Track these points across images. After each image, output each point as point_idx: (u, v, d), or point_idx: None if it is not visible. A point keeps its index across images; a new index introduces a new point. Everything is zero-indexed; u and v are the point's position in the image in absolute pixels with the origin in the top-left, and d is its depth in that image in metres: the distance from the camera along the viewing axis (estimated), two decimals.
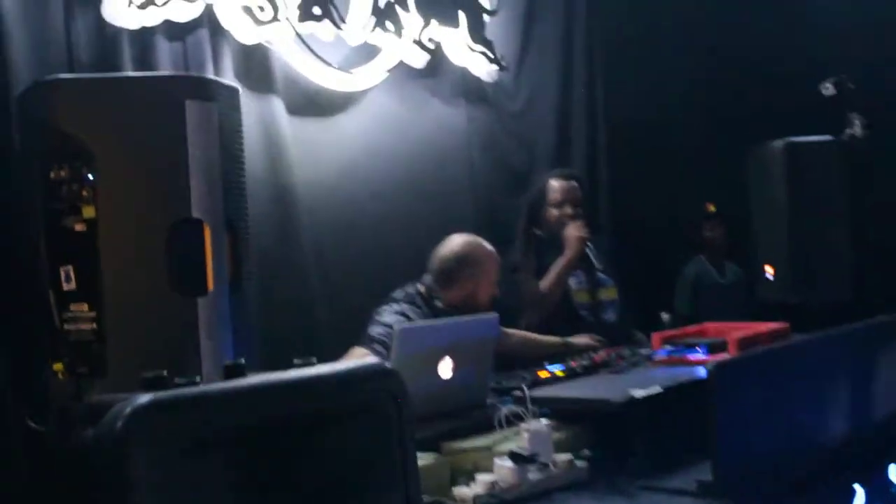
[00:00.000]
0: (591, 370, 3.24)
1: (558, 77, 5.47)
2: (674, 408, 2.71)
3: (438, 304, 3.68)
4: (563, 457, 2.48)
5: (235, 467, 1.31)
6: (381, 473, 1.47)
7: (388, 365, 1.49)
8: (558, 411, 2.75)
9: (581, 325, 4.30)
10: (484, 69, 4.93)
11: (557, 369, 3.36)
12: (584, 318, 4.35)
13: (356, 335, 3.65)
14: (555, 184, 4.42)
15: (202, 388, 1.32)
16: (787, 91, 5.17)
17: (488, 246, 3.79)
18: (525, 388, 2.76)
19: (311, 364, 1.45)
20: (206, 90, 2.36)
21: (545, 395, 2.74)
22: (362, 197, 4.39)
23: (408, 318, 3.55)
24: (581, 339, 4.04)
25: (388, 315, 3.59)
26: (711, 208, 5.41)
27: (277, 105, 4.08)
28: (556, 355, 3.81)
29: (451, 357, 2.84)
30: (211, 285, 2.27)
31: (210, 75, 3.77)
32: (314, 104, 4.27)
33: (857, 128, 4.47)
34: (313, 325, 4.12)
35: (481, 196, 4.98)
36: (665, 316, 4.50)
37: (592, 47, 5.60)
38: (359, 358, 3.39)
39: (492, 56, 4.90)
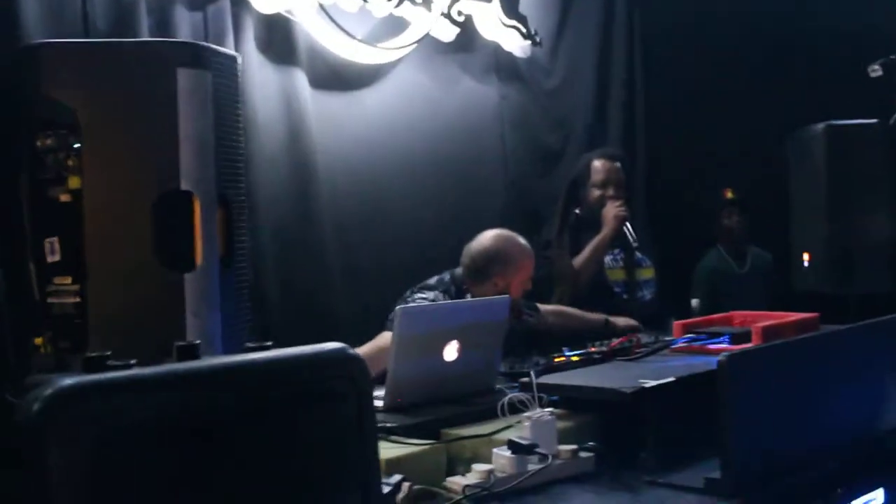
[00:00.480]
0: (609, 356, 3.13)
1: (596, 54, 5.32)
2: (688, 400, 2.59)
3: (469, 297, 3.60)
4: (567, 448, 2.37)
5: (171, 457, 1.22)
6: (337, 464, 1.38)
7: (350, 349, 1.39)
8: (567, 399, 2.65)
9: (615, 302, 4.22)
10: (517, 45, 4.79)
11: (574, 354, 3.26)
12: (618, 295, 4.27)
13: (376, 315, 3.57)
14: (598, 164, 4.38)
15: (135, 371, 1.23)
16: (833, 73, 4.97)
17: (522, 241, 3.68)
18: (532, 375, 2.66)
19: (265, 348, 1.36)
20: (200, 57, 2.26)
21: (553, 383, 2.63)
22: (386, 174, 4.29)
23: None
24: (622, 320, 3.95)
25: (420, 300, 3.51)
26: (730, 195, 5.19)
27: (300, 78, 3.99)
28: (596, 333, 3.74)
29: (458, 340, 2.74)
30: (199, 260, 2.19)
31: (230, 46, 3.70)
32: (338, 78, 4.17)
33: None
34: (332, 305, 4.04)
35: (512, 175, 4.86)
36: (695, 302, 4.37)
37: (633, 24, 5.44)
38: (387, 343, 3.31)
39: (526, 31, 4.75)
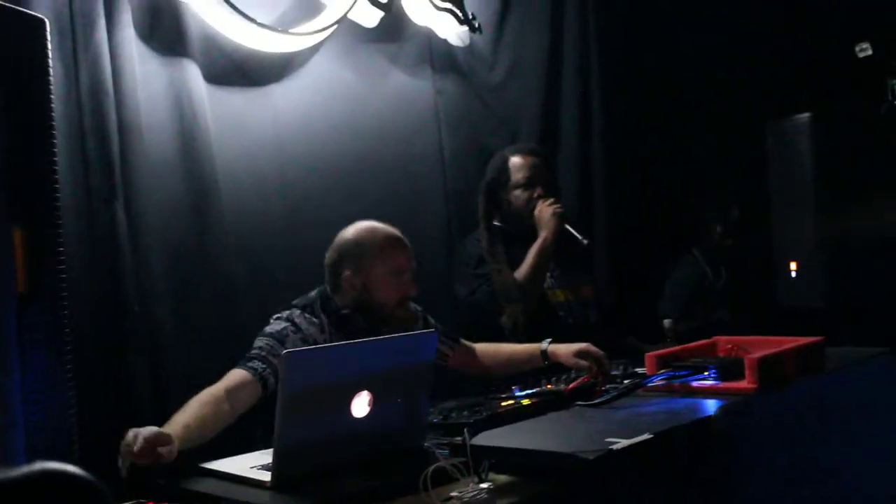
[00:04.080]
0: (567, 399, 2.53)
1: (545, 43, 4.66)
2: (668, 458, 1.98)
3: (336, 307, 2.92)
4: None
5: None
6: None
7: (81, 475, 0.75)
8: (510, 465, 2.04)
9: (563, 328, 3.58)
10: (453, 31, 4.14)
11: (525, 396, 2.67)
12: (563, 318, 3.65)
13: None
14: (518, 160, 3.79)
15: None
16: (816, 54, 4.41)
17: (382, 229, 2.96)
18: (466, 434, 2.05)
19: None
20: None
21: (492, 445, 2.01)
22: (301, 184, 3.61)
23: (295, 326, 2.80)
24: (569, 351, 3.00)
25: (273, 324, 2.85)
26: (737, 213, 4.58)
27: (193, 71, 3.32)
28: (540, 370, 3.11)
29: (369, 390, 2.11)
30: None
31: (102, 33, 3.07)
32: (240, 71, 3.50)
33: None
34: (239, 339, 3.36)
35: (452, 182, 4.19)
36: (667, 322, 3.75)
37: (586, 6, 4.81)
38: (235, 383, 2.59)
39: (462, 15, 4.12)
